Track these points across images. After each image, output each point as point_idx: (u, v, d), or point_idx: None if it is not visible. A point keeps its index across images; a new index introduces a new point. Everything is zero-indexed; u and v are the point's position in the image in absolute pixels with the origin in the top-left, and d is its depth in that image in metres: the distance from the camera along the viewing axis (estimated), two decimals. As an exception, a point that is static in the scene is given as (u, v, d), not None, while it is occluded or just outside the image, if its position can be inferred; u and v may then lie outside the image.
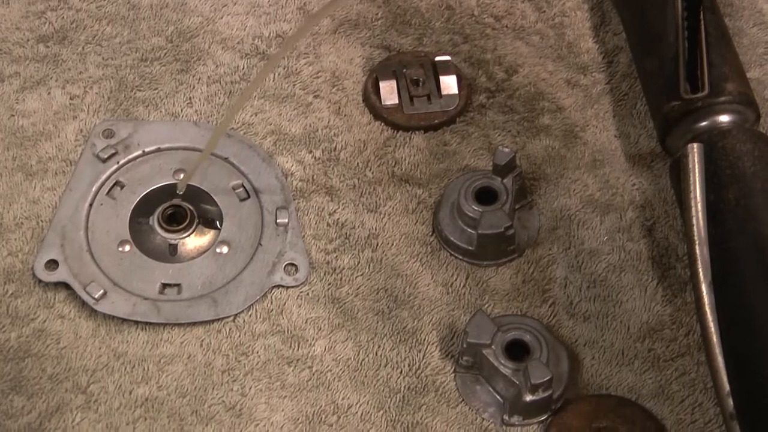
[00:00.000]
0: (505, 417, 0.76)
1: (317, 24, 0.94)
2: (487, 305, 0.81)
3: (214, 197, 0.85)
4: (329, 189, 0.86)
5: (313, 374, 0.78)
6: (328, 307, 0.81)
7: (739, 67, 0.84)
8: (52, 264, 0.81)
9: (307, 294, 0.81)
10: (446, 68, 0.91)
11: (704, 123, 0.81)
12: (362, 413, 0.76)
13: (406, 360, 0.79)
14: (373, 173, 0.87)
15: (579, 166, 0.88)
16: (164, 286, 0.81)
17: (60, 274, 0.81)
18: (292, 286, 0.82)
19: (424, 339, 0.80)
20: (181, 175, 0.85)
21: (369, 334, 0.80)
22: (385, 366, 0.78)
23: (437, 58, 0.92)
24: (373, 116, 0.91)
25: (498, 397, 0.77)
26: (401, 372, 0.78)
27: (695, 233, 0.77)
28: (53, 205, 0.85)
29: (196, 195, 0.85)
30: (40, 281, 0.81)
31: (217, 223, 0.84)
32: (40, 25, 0.95)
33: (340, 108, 0.91)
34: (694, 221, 0.77)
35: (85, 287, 0.80)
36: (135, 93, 0.91)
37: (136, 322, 0.80)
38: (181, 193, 0.84)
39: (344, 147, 0.89)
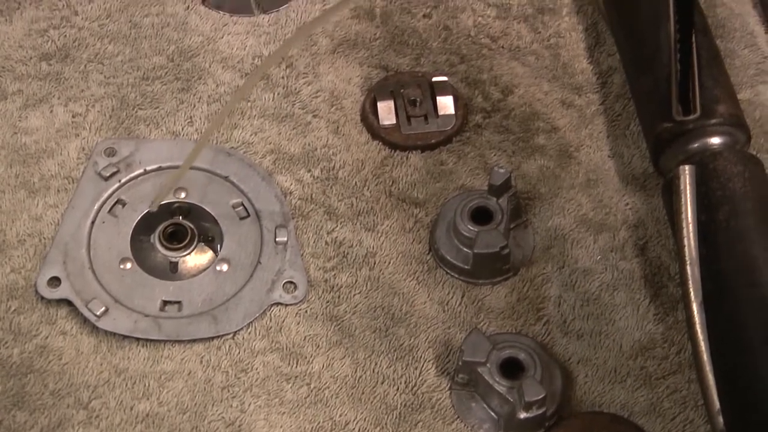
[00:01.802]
0: (500, 434, 0.77)
1: (295, 45, 0.94)
2: (482, 323, 0.82)
3: (214, 216, 0.86)
4: (328, 208, 0.88)
5: (312, 391, 0.79)
6: (326, 325, 0.82)
7: (730, 89, 0.85)
8: (55, 281, 0.82)
9: (306, 312, 0.83)
10: (443, 88, 0.93)
11: (696, 145, 0.82)
12: (359, 430, 0.78)
13: (403, 377, 0.80)
14: (370, 192, 0.89)
15: (573, 185, 0.89)
16: (165, 303, 0.82)
17: (62, 291, 0.82)
18: (291, 304, 0.83)
19: (421, 356, 0.81)
20: (183, 194, 0.86)
21: (366, 352, 0.81)
22: (382, 383, 0.80)
23: (434, 79, 0.93)
24: (371, 136, 0.92)
25: (493, 414, 0.78)
26: (398, 389, 0.79)
27: (687, 253, 0.78)
28: (55, 223, 0.86)
29: (196, 213, 0.87)
30: (42, 298, 0.82)
31: (218, 245, 0.85)
32: (42, 43, 0.97)
33: (338, 127, 0.92)
34: (686, 241, 0.78)
35: (87, 304, 0.81)
36: (136, 111, 0.93)
37: (137, 339, 0.81)
38: (155, 210, 0.85)
39: (342, 166, 0.90)
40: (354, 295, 0.83)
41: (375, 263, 0.85)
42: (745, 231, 0.77)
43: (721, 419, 0.73)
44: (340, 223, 0.87)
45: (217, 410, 0.78)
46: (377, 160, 0.91)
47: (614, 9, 0.95)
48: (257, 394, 0.79)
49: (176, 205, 0.86)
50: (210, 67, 0.96)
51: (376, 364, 0.80)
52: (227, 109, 0.88)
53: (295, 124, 0.92)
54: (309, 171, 0.90)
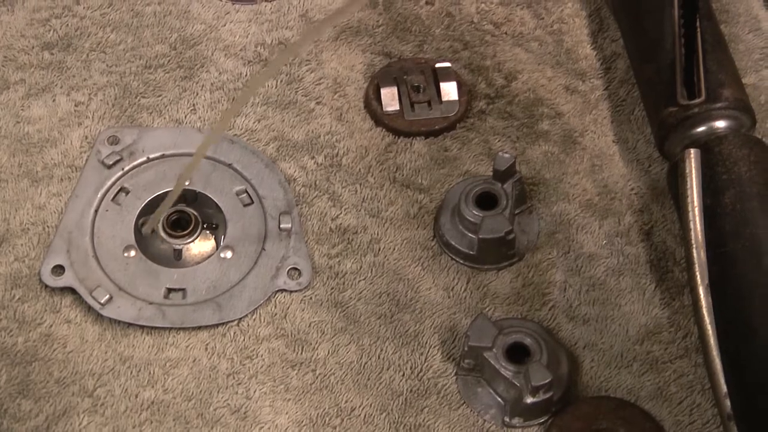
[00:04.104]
0: (506, 419, 0.77)
1: (320, 34, 0.95)
2: (487, 309, 0.82)
3: (217, 203, 0.86)
4: (332, 194, 0.87)
5: (317, 377, 0.79)
6: (331, 311, 0.82)
7: (735, 73, 0.85)
8: (59, 269, 0.82)
9: (311, 298, 0.82)
10: (446, 75, 0.92)
11: (701, 129, 0.82)
12: (365, 416, 0.77)
13: (409, 363, 0.80)
14: (374, 178, 0.89)
15: (578, 171, 0.89)
16: (169, 290, 0.82)
17: (66, 279, 0.82)
18: (296, 291, 0.83)
19: (426, 342, 0.81)
20: (186, 182, 0.86)
21: (372, 338, 0.81)
22: (388, 369, 0.79)
23: (437, 65, 0.93)
24: (375, 122, 0.92)
25: (499, 399, 0.78)
26: (404, 375, 0.79)
27: (693, 237, 0.78)
28: (59, 211, 0.86)
29: (200, 200, 0.86)
30: (46, 286, 0.82)
31: (222, 233, 0.85)
32: (44, 33, 0.96)
33: (341, 114, 0.92)
34: (692, 225, 0.78)
35: (91, 292, 0.81)
36: (139, 100, 0.92)
37: (142, 327, 0.81)
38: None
39: (346, 153, 0.90)
40: (359, 281, 0.83)
41: (379, 249, 0.85)
42: (752, 214, 0.77)
43: (728, 403, 0.72)
44: (344, 210, 0.87)
45: (222, 397, 0.78)
46: (381, 147, 0.90)
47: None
48: (262, 380, 0.79)
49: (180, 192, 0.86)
50: (212, 55, 0.96)
51: (381, 350, 0.80)
52: (239, 102, 0.87)
53: (299, 111, 0.92)
54: (313, 158, 0.89)
